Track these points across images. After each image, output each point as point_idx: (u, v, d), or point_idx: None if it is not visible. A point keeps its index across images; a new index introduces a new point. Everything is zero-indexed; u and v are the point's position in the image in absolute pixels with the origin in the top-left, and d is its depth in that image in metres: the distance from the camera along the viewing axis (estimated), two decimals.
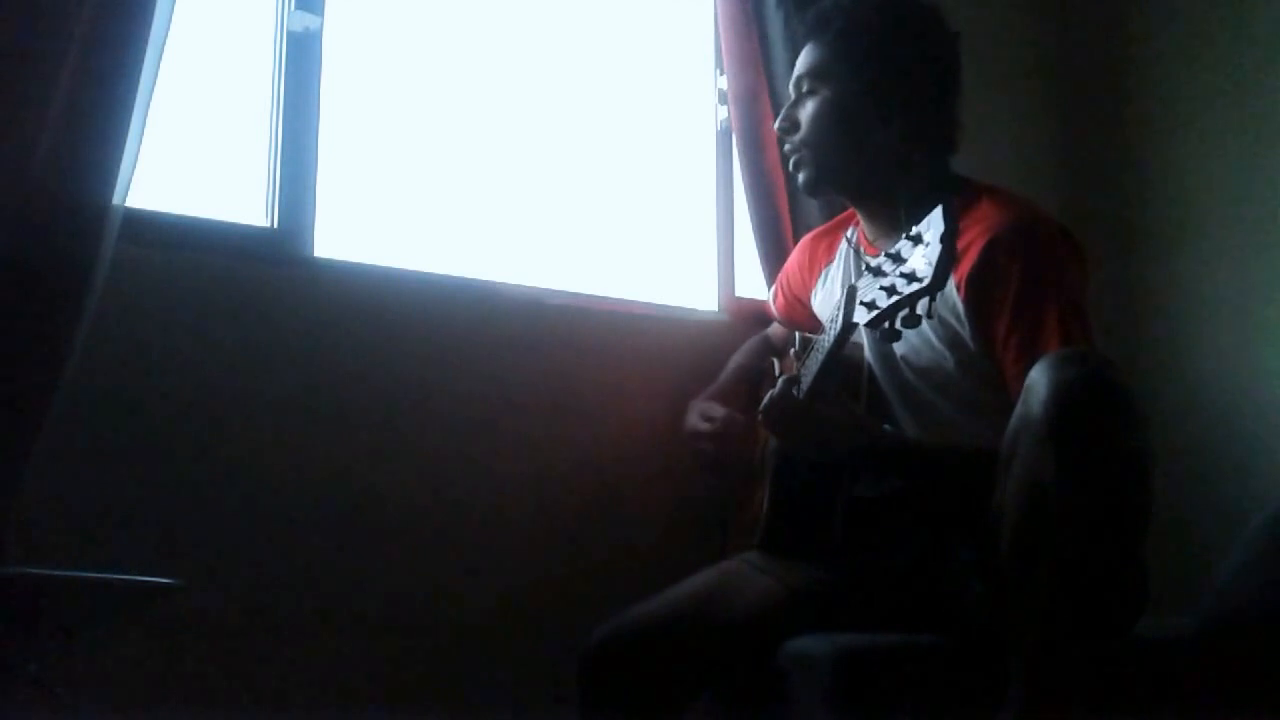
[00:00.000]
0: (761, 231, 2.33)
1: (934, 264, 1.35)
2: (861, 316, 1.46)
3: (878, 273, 1.44)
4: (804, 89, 1.86)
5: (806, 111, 1.85)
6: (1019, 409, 1.46)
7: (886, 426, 1.72)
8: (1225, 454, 2.51)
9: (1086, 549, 1.40)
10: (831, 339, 1.58)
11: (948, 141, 1.85)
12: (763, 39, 2.34)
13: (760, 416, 1.66)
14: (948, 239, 1.35)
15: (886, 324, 1.43)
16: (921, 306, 1.39)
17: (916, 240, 1.40)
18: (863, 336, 1.82)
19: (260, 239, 1.99)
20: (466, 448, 2.03)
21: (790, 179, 1.96)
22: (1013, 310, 1.65)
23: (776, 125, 1.91)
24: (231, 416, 1.86)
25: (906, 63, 1.80)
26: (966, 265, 1.67)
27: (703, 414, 1.96)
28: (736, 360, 2.11)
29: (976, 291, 1.67)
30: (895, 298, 1.40)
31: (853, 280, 1.58)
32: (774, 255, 2.29)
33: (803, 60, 1.87)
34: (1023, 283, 1.65)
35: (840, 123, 1.82)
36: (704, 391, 2.05)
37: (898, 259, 1.42)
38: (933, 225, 1.38)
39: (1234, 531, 1.86)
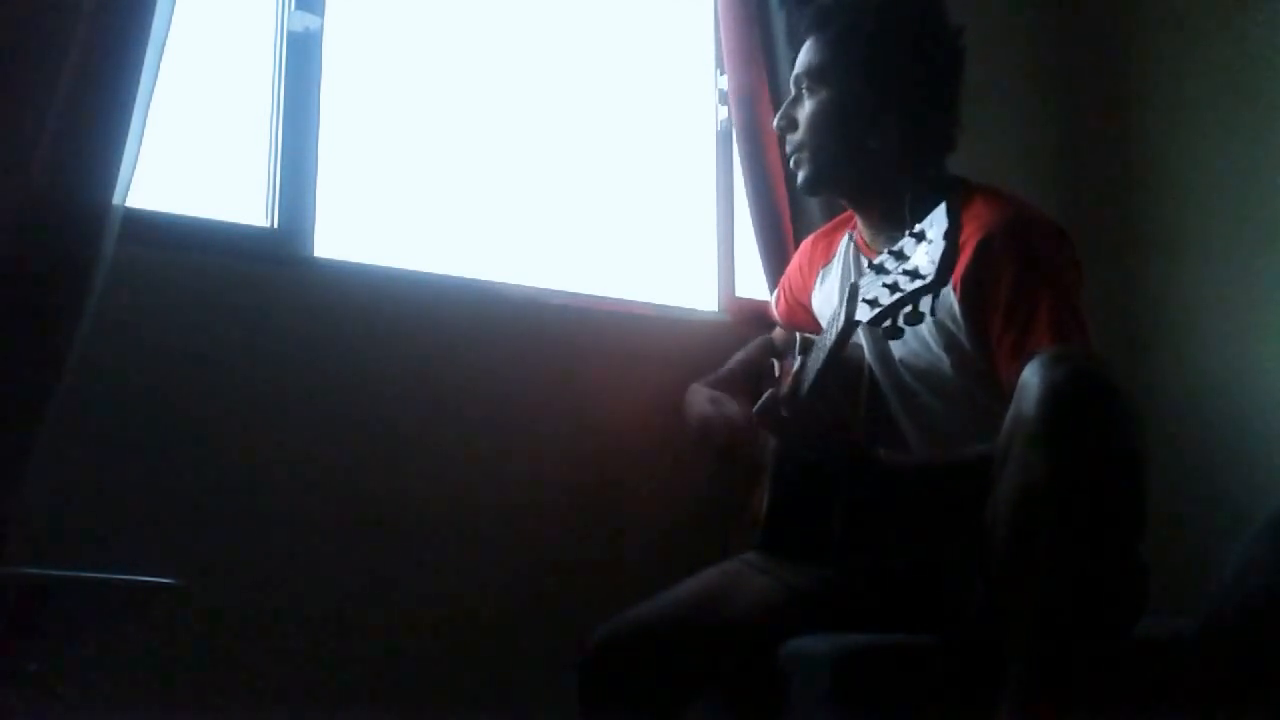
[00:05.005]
0: (762, 232, 2.33)
1: (937, 261, 1.34)
2: (864, 314, 1.45)
3: (880, 270, 1.43)
4: (803, 87, 1.85)
5: (805, 111, 1.84)
6: (1012, 409, 1.46)
7: (880, 450, 1.70)
8: (1225, 454, 2.51)
9: (1080, 548, 1.40)
10: (833, 337, 1.57)
11: (947, 141, 1.84)
12: (764, 38, 2.34)
13: (755, 415, 1.65)
14: (951, 236, 1.34)
15: (889, 321, 1.42)
16: (924, 303, 1.38)
17: (920, 237, 1.39)
18: (862, 339, 1.82)
19: (260, 239, 1.99)
20: (466, 448, 2.03)
21: (791, 178, 1.95)
22: (1006, 309, 1.64)
23: (775, 123, 1.90)
24: (231, 416, 1.86)
25: (908, 65, 1.79)
26: (961, 265, 1.66)
27: (712, 401, 1.93)
28: (739, 355, 2.10)
29: (971, 291, 1.66)
30: (898, 295, 1.39)
31: (853, 279, 1.57)
32: (775, 256, 2.29)
33: (802, 58, 1.85)
34: (1016, 281, 1.64)
35: (839, 125, 1.81)
36: (704, 379, 2.02)
37: (900, 256, 1.41)
38: (936, 222, 1.37)
39: (1234, 531, 1.86)
